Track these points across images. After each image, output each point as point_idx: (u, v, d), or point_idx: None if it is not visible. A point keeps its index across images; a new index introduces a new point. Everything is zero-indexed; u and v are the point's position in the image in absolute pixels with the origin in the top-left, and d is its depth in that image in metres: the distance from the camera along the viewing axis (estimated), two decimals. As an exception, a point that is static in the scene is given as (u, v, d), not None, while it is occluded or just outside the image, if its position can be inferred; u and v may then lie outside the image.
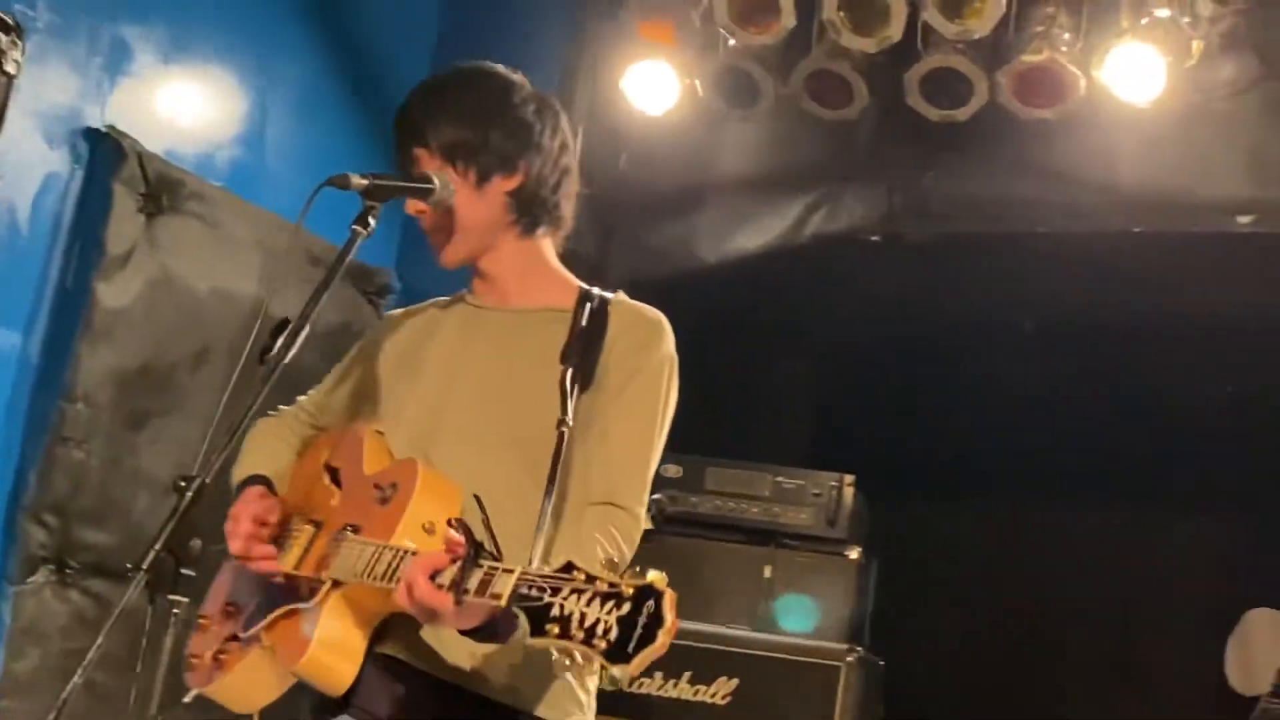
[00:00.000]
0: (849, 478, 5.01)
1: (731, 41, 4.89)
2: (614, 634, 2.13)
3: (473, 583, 2.33)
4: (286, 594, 2.74)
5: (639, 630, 2.12)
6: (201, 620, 2.93)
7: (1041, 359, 5.72)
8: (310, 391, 3.14)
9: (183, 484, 2.49)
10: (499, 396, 2.85)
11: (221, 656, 2.81)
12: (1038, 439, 6.30)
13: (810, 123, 4.96)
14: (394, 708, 2.70)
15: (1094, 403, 6.17)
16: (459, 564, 2.38)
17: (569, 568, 2.23)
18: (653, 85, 5.05)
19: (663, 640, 2.12)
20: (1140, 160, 4.65)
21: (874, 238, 4.99)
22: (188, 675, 2.87)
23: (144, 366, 4.45)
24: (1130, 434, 6.33)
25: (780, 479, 4.99)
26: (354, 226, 2.77)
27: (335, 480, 2.90)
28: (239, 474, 2.96)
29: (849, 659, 4.35)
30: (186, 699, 2.88)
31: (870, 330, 5.55)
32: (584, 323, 2.89)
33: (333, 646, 2.63)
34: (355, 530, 2.69)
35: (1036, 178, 4.78)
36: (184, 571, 2.46)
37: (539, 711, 2.74)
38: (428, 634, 2.68)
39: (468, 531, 2.40)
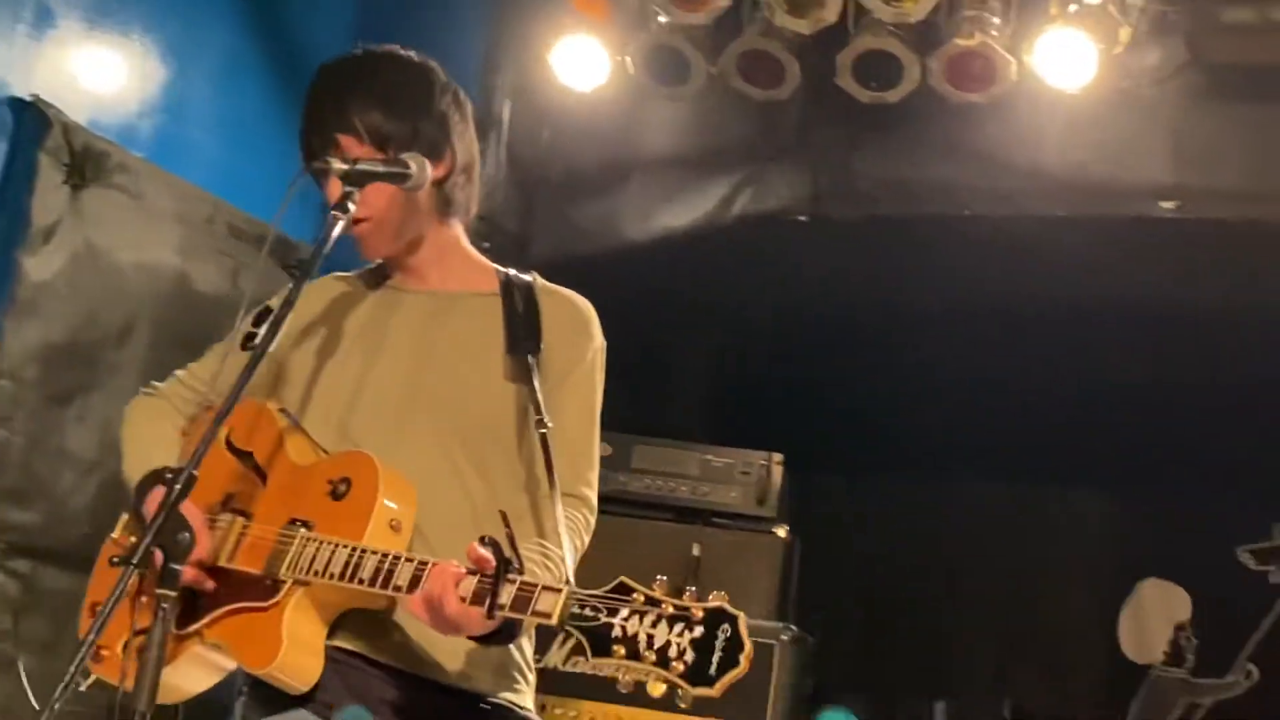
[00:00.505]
0: (777, 456, 5.04)
1: (663, 19, 4.88)
2: (690, 656, 2.17)
3: (506, 598, 2.34)
4: (228, 590, 2.67)
5: (718, 653, 2.16)
6: (98, 607, 2.84)
7: (962, 340, 5.80)
8: (191, 366, 3.06)
9: (169, 476, 2.43)
10: (427, 381, 2.84)
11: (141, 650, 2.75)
12: (955, 417, 6.41)
13: (739, 102, 4.97)
14: (353, 699, 2.67)
15: (1010, 382, 6.28)
16: (478, 577, 2.40)
17: (624, 588, 2.26)
18: (581, 61, 5.02)
19: (744, 664, 2.17)
20: (1066, 145, 4.72)
21: (801, 218, 5.01)
22: (93, 665, 2.78)
23: (69, 342, 4.35)
24: (1042, 412, 6.46)
25: (709, 457, 5.02)
26: (333, 211, 2.71)
27: (254, 468, 2.82)
28: (136, 466, 2.87)
29: (783, 637, 4.40)
30: (83, 687, 2.82)
31: (795, 310, 5.58)
32: (520, 311, 2.89)
33: (301, 646, 2.60)
34: (307, 526, 2.65)
35: (964, 161, 4.84)
36: (172, 566, 2.41)
37: (490, 690, 2.76)
38: (378, 625, 2.67)
39: (497, 547, 2.39)
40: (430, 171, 2.83)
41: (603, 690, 4.47)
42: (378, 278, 3.02)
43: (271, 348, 2.61)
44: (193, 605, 2.66)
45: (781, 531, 5.01)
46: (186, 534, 2.44)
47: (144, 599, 2.79)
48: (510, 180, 5.24)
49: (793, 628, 4.43)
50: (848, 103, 4.80)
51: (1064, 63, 4.56)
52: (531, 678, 2.87)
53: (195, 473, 2.42)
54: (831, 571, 5.97)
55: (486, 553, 2.40)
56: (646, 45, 4.94)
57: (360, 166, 2.75)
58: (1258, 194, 4.55)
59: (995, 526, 6.97)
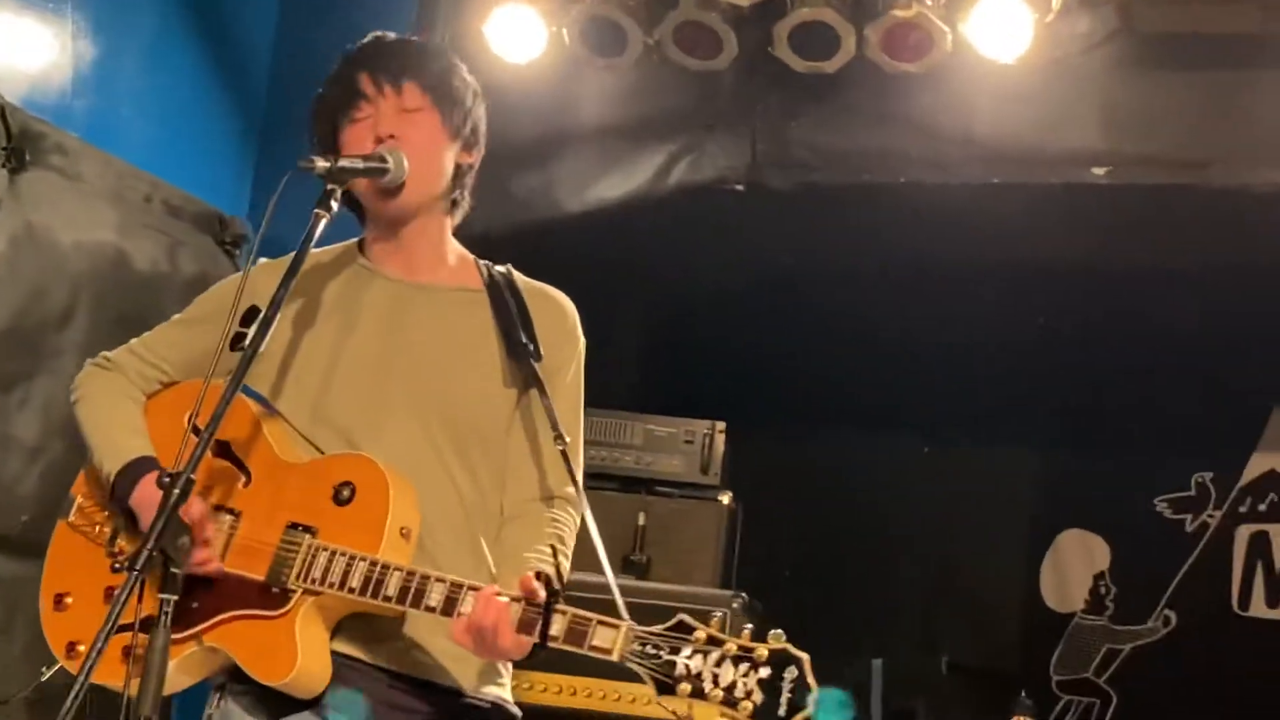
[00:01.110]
0: (720, 424, 5.10)
1: (600, -11, 4.88)
2: (759, 697, 2.27)
3: (559, 629, 2.41)
4: (227, 593, 2.67)
5: (786, 694, 2.28)
6: (66, 599, 2.83)
7: (896, 304, 5.89)
8: (145, 337, 3.03)
9: (167, 480, 2.43)
10: (431, 381, 2.85)
11: (138, 651, 2.73)
12: (887, 378, 6.52)
13: (675, 72, 4.98)
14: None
15: (938, 343, 6.39)
16: (524, 604, 2.47)
17: (685, 626, 2.34)
18: (516, 32, 5.00)
19: (811, 707, 2.28)
20: (999, 113, 4.78)
21: (738, 187, 5.04)
22: (67, 661, 2.79)
23: (11, 328, 4.31)
24: (968, 370, 6.59)
25: (652, 427, 5.07)
26: (316, 210, 2.72)
27: (232, 460, 2.80)
28: (109, 453, 2.84)
29: (734, 605, 4.47)
30: (43, 678, 2.82)
31: (733, 278, 5.62)
32: (512, 310, 2.93)
33: (313, 655, 2.62)
34: (310, 532, 2.65)
35: (899, 130, 4.89)
36: (173, 570, 2.41)
37: (479, 687, 2.81)
38: (373, 629, 2.70)
39: (548, 580, 2.44)
40: (407, 166, 2.85)
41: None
42: (349, 257, 3.00)
43: (262, 348, 2.60)
44: (185, 606, 2.63)
45: (725, 499, 5.08)
46: (186, 538, 2.43)
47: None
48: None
49: (743, 595, 4.49)
50: (785, 73, 4.83)
51: (998, 32, 4.62)
52: (511, 669, 2.91)
53: (193, 477, 2.43)
54: (766, 535, 6.05)
55: (538, 586, 2.47)
56: (583, 16, 4.93)
57: (341, 164, 2.76)
58: (1187, 160, 4.65)
59: (922, 484, 7.10)
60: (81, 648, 2.77)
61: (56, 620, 2.82)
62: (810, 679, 2.30)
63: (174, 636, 2.59)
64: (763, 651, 2.31)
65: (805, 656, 2.31)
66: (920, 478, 7.14)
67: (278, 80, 5.43)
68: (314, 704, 2.68)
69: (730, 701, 2.29)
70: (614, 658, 2.39)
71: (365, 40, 3.01)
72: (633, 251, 5.45)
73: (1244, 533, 6.88)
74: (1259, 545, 6.85)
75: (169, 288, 4.79)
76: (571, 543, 2.87)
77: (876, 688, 5.73)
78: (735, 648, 2.32)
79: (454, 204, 3.02)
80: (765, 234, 5.41)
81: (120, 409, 2.92)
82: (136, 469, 2.79)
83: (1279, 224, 4.85)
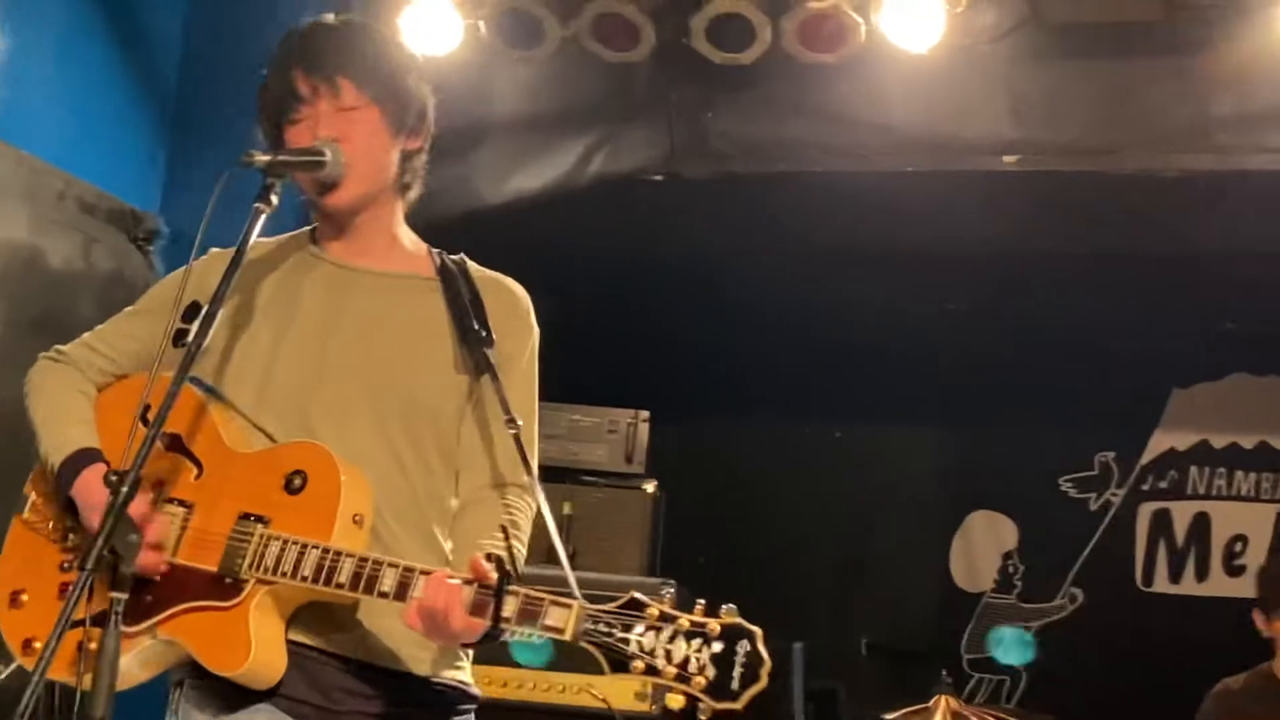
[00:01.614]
0: (644, 413, 5.14)
1: (516, -19, 4.88)
2: (711, 671, 2.25)
3: (511, 610, 2.39)
4: (180, 585, 2.64)
5: (739, 668, 2.26)
6: (21, 597, 2.78)
7: (814, 290, 5.96)
8: (99, 330, 2.98)
9: (114, 478, 2.41)
10: (384, 368, 2.83)
11: (91, 646, 2.72)
12: (803, 366, 6.60)
13: (592, 63, 4.99)
14: (311, 689, 2.69)
15: (854, 328, 6.48)
16: (475, 586, 2.44)
17: (636, 603, 2.33)
18: (432, 25, 4.99)
19: (765, 679, 2.26)
20: (912, 102, 4.86)
21: (656, 177, 5.08)
22: (27, 660, 2.75)
23: (-75, 329, 4.23)
24: (880, 354, 6.69)
25: (577, 417, 5.09)
26: (256, 205, 2.69)
27: (182, 451, 2.77)
28: (56, 444, 2.81)
29: (663, 593, 4.51)
30: (1, 676, 2.79)
31: (653, 267, 5.66)
32: (465, 298, 2.90)
33: (268, 644, 2.60)
34: (262, 521, 2.65)
35: (815, 119, 4.95)
36: (122, 570, 2.40)
37: (438, 671, 2.80)
38: (331, 618, 2.68)
39: (499, 561, 2.43)
40: (344, 161, 2.83)
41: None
42: (298, 244, 2.98)
43: (205, 344, 2.59)
44: (139, 599, 2.61)
45: (650, 487, 5.12)
46: (135, 535, 2.41)
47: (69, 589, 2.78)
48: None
49: (672, 583, 4.54)
50: (702, 64, 4.87)
51: (911, 23, 4.69)
52: (470, 653, 2.89)
53: (140, 475, 2.41)
54: (683, 522, 6.11)
55: (489, 567, 2.45)
56: (499, 8, 4.94)
57: (279, 158, 2.74)
58: (1095, 147, 4.76)
59: (834, 468, 7.21)
60: (37, 644, 2.72)
61: (12, 618, 2.78)
62: (763, 652, 2.29)
63: (130, 630, 2.60)
64: (715, 626, 2.29)
65: (758, 630, 2.30)
66: (833, 462, 7.24)
67: (188, 73, 5.37)
68: (271, 694, 2.67)
69: (683, 677, 2.28)
70: (567, 637, 2.36)
71: (301, 28, 2.96)
72: (554, 242, 5.46)
73: (1146, 510, 7.06)
74: (1161, 522, 7.03)
75: (84, 285, 4.74)
76: (527, 528, 2.86)
77: (797, 671, 5.79)
78: (688, 623, 2.30)
79: (404, 188, 2.98)
80: (684, 224, 5.46)
81: (67, 401, 2.88)
82: (78, 460, 2.76)
83: (1184, 209, 4.98)
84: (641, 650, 2.31)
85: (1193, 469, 7.01)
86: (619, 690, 4.63)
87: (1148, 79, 4.67)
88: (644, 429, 5.11)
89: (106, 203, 4.87)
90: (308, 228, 3.01)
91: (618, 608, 2.35)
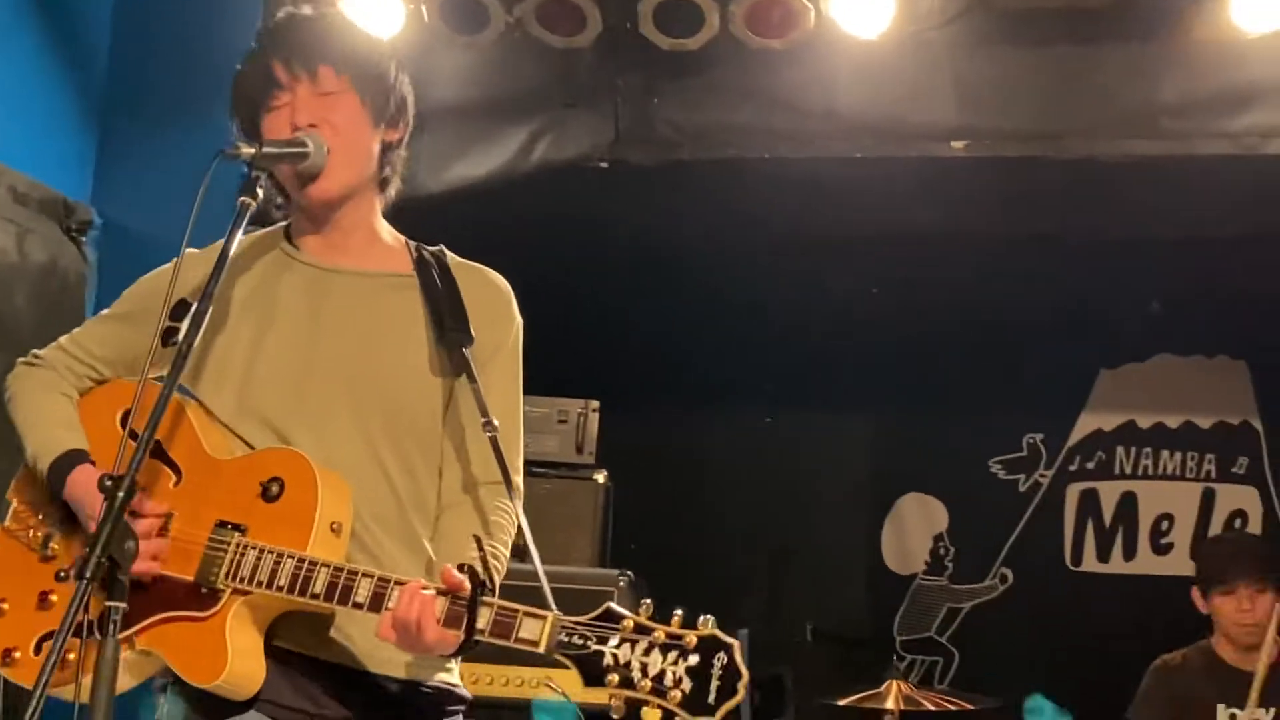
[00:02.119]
0: (594, 403, 5.10)
1: (460, -33, 4.81)
2: (687, 685, 2.23)
3: (485, 622, 2.37)
4: (157, 595, 2.58)
5: (716, 682, 2.23)
6: (1, 605, 2.72)
7: (754, 278, 5.96)
8: (75, 334, 2.92)
9: (109, 483, 2.33)
10: (364, 372, 2.78)
11: (69, 656, 2.64)
12: (736, 351, 6.60)
13: (537, 49, 4.94)
14: (297, 695, 2.65)
15: (785, 315, 6.49)
16: (450, 598, 2.41)
17: (612, 614, 2.31)
18: (374, 9, 4.90)
19: (742, 692, 2.24)
20: (861, 88, 4.85)
21: (602, 164, 5.03)
22: (6, 670, 2.69)
23: None
24: (813, 341, 6.70)
25: (526, 407, 5.00)
26: (242, 198, 2.62)
27: (165, 460, 2.72)
28: (44, 446, 2.75)
29: (620, 583, 4.49)
30: None
31: (599, 255, 5.61)
32: (443, 294, 2.86)
33: (245, 655, 2.55)
34: (239, 530, 2.59)
35: (763, 106, 4.92)
36: (120, 577, 2.32)
37: (427, 675, 2.76)
38: (313, 625, 2.64)
39: (473, 572, 2.39)
40: (327, 151, 2.77)
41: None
42: (272, 242, 2.92)
43: (196, 342, 2.52)
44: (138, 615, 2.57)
45: (600, 477, 5.08)
46: (132, 543, 2.34)
47: (53, 598, 2.70)
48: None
49: (629, 573, 4.51)
50: (648, 50, 4.83)
51: (860, 9, 4.69)
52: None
53: (137, 479, 2.34)
54: (622, 512, 6.08)
55: (462, 578, 2.41)
56: (443, -8, 4.87)
57: (264, 150, 2.67)
58: (1040, 133, 4.78)
59: (766, 454, 7.21)
60: (17, 654, 2.67)
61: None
62: (741, 665, 2.27)
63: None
64: (691, 638, 2.27)
65: (735, 642, 2.29)
66: (765, 449, 7.24)
67: (118, 61, 5.25)
68: (257, 701, 2.61)
69: (659, 690, 2.25)
70: (541, 650, 2.34)
71: (277, 19, 2.91)
72: (496, 231, 5.37)
73: (1074, 491, 7.14)
74: (1089, 502, 7.12)
75: (19, 277, 4.62)
76: (509, 529, 2.83)
77: (744, 657, 5.77)
78: (663, 635, 2.28)
79: (384, 183, 2.94)
80: (629, 211, 5.41)
81: (52, 404, 2.82)
82: (68, 461, 2.71)
83: (1126, 194, 5.03)
84: (617, 663, 2.28)
85: (1119, 449, 7.09)
86: (578, 682, 4.59)
87: (1095, 64, 4.70)
88: (594, 419, 5.07)
89: (39, 192, 4.75)
90: (282, 224, 2.95)
91: (593, 619, 2.33)
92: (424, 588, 2.47)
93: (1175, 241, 6.12)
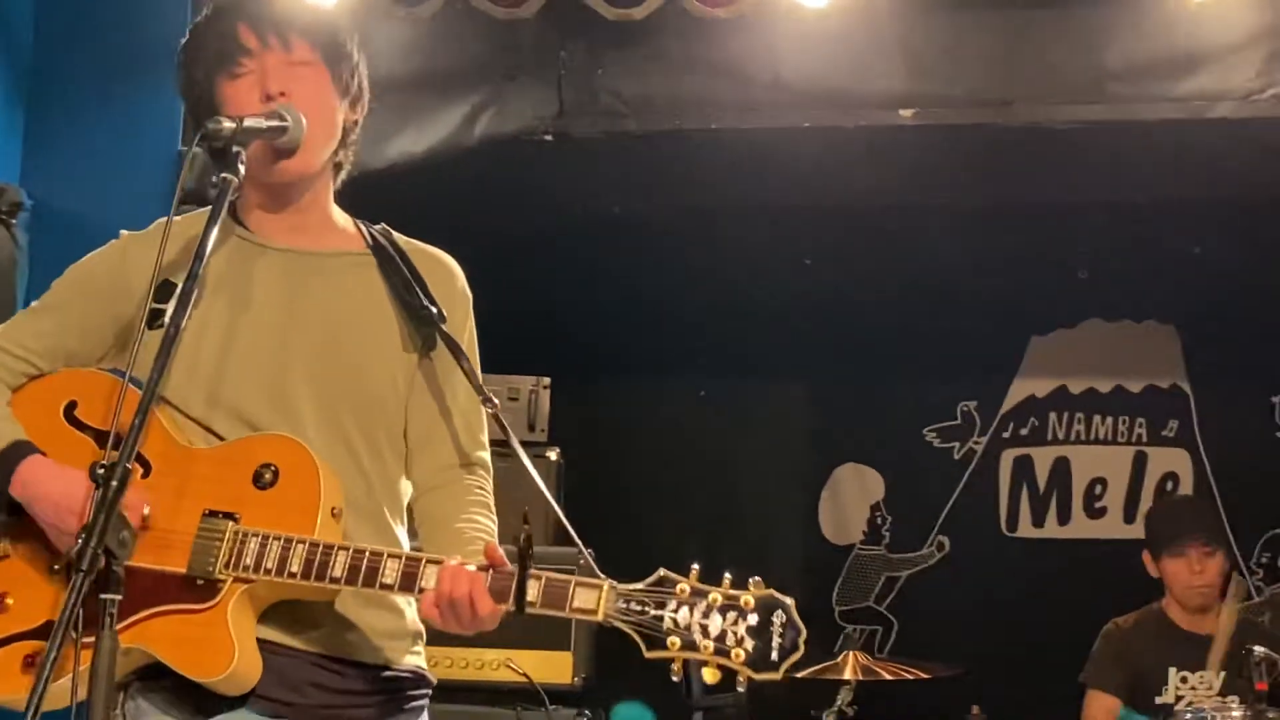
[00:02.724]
0: (545, 380, 5.04)
1: (400, -63, 4.71)
2: (749, 644, 2.27)
3: (535, 594, 2.36)
4: (141, 590, 2.46)
5: (777, 639, 2.28)
6: None
7: (698, 250, 5.92)
8: (9, 331, 2.79)
9: (101, 470, 2.24)
10: (333, 356, 2.71)
11: (37, 659, 2.52)
12: (672, 321, 6.56)
13: (478, 20, 4.84)
14: (280, 687, 2.58)
15: (721, 284, 6.45)
16: (491, 572, 2.40)
17: (666, 580, 2.33)
18: (310, -19, 4.79)
19: (804, 648, 2.28)
20: (807, 57, 4.80)
21: (546, 137, 4.96)
22: None
23: None
24: (749, 309, 6.68)
25: (477, 385, 4.94)
26: (224, 175, 2.53)
27: None
28: None
29: (580, 562, 4.43)
30: None
31: (543, 229, 5.53)
32: (403, 274, 2.79)
33: (249, 647, 2.48)
34: (231, 518, 2.51)
35: (708, 75, 4.87)
36: (115, 569, 2.23)
37: (399, 659, 2.72)
38: (295, 614, 2.58)
39: (521, 544, 2.35)
40: (305, 125, 2.69)
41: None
42: (225, 226, 2.81)
43: (184, 324, 2.42)
44: (89, 609, 2.33)
45: (553, 454, 5.02)
46: (128, 532, 2.25)
47: (9, 601, 2.59)
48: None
49: (590, 550, 4.45)
50: (592, 20, 4.75)
51: (807, -24, 4.65)
52: (424, 638, 2.82)
53: (129, 466, 2.25)
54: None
55: (499, 552, 2.42)
56: (381, -36, 4.76)
57: (246, 124, 2.59)
58: (990, 99, 4.78)
59: (700, 425, 7.19)
60: None
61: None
62: (799, 621, 2.31)
63: (83, 640, 2.33)
64: (748, 599, 2.31)
65: (791, 601, 2.33)
66: (699, 421, 7.22)
67: (43, 39, 5.08)
68: (243, 701, 2.54)
69: (722, 651, 2.29)
70: (598, 619, 2.35)
71: None
72: (439, 207, 5.27)
73: (1008, 457, 7.20)
74: (1023, 468, 7.18)
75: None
76: (493, 507, 2.81)
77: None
78: (720, 597, 2.32)
79: (338, 166, 2.86)
80: (574, 183, 5.35)
81: None
82: (14, 454, 2.59)
83: (1074, 159, 5.05)
84: (677, 627, 2.30)
85: (1052, 415, 7.16)
86: (538, 662, 4.55)
87: (1042, 30, 4.70)
88: (545, 396, 5.01)
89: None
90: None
91: (648, 585, 2.35)
92: (464, 564, 2.45)
93: (1102, 206, 6.17)
